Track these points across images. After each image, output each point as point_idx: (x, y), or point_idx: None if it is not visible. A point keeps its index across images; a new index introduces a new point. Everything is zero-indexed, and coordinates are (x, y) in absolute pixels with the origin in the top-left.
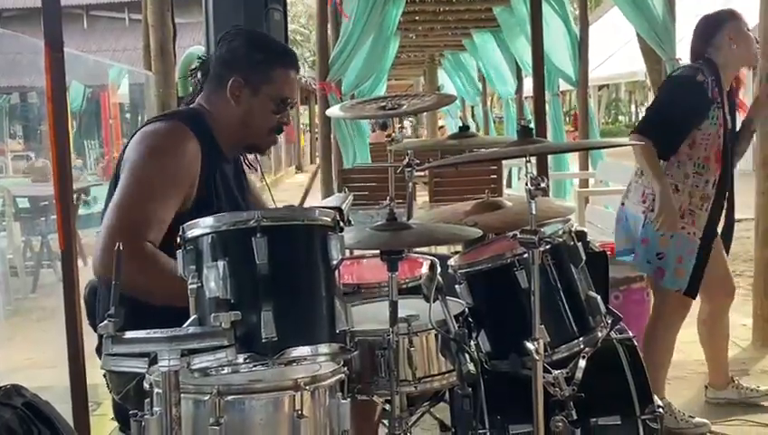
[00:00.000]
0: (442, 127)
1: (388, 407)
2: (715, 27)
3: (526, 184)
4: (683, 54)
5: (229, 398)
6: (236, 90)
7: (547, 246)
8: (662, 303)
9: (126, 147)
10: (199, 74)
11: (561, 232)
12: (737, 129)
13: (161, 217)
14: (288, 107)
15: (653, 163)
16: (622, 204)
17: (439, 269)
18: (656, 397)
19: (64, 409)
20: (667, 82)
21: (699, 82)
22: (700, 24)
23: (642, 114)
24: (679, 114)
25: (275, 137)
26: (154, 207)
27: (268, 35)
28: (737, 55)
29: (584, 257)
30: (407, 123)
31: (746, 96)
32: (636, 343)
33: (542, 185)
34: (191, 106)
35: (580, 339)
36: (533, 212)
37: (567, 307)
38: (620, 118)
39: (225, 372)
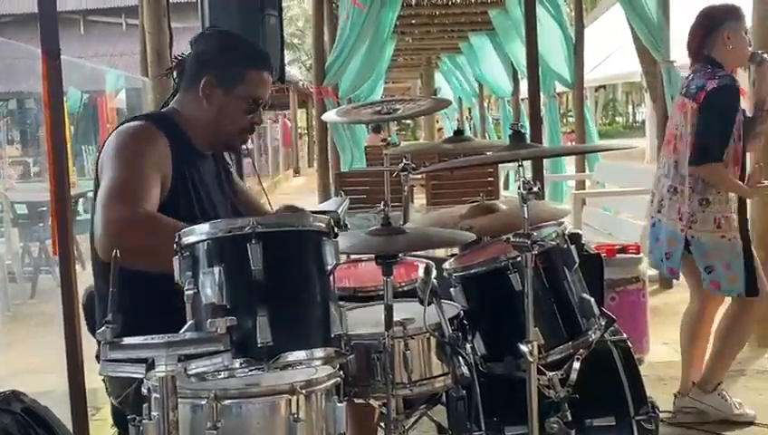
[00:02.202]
0: (441, 129)
1: (385, 410)
2: (714, 24)
3: (519, 188)
4: (678, 57)
5: (226, 402)
6: (208, 89)
7: (540, 249)
8: (740, 308)
9: (101, 152)
10: (174, 75)
11: (554, 235)
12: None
13: (149, 190)
14: (260, 107)
15: (731, 184)
16: (653, 216)
17: (434, 272)
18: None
19: (63, 414)
20: (715, 98)
21: (737, 88)
22: (700, 16)
23: (638, 115)
24: (732, 122)
25: (246, 136)
26: (140, 181)
27: (242, 37)
28: (731, 56)
29: (577, 260)
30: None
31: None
32: (630, 345)
33: (535, 189)
34: (162, 110)
35: (575, 341)
36: (526, 216)
37: (561, 310)
38: (618, 119)
39: (222, 376)
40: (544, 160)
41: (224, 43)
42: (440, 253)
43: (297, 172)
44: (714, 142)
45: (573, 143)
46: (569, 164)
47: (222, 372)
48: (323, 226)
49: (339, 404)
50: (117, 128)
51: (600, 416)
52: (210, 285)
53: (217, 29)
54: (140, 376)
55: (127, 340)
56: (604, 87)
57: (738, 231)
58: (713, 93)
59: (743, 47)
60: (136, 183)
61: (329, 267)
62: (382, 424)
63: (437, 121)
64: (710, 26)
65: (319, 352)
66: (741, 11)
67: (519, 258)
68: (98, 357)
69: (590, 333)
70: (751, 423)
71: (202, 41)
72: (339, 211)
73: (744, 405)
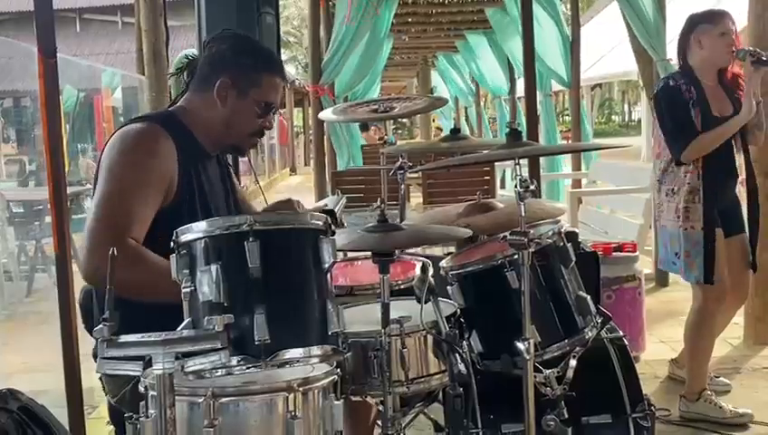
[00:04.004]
0: (438, 128)
1: (382, 408)
2: (687, 30)
3: (516, 186)
4: (673, 55)
5: (223, 400)
6: (223, 90)
7: (537, 247)
8: (696, 298)
9: (102, 151)
10: (185, 74)
11: (550, 233)
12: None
13: (141, 213)
14: (271, 112)
15: (715, 136)
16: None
17: (431, 270)
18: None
19: (60, 412)
20: (655, 101)
21: (672, 86)
22: (684, 23)
23: (634, 114)
24: (678, 118)
25: (256, 139)
26: (132, 204)
27: (256, 41)
28: (706, 58)
29: (574, 258)
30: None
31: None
32: (626, 343)
33: (532, 187)
34: (170, 109)
35: (571, 339)
36: (523, 214)
37: (557, 307)
38: (614, 117)
39: (219, 374)
40: (541, 159)
41: (241, 47)
42: (437, 251)
43: (293, 171)
44: (670, 137)
45: (569, 141)
46: (565, 163)
47: (219, 370)
48: (321, 224)
49: (336, 402)
50: (120, 128)
51: (596, 413)
52: (207, 283)
53: (234, 31)
54: (138, 374)
55: (124, 337)
56: (600, 86)
57: (701, 221)
58: (654, 97)
59: (717, 50)
60: (126, 206)
61: (326, 265)
62: (379, 422)
63: (434, 120)
64: (684, 32)
65: (316, 350)
66: (720, 14)
67: (516, 256)
68: (95, 355)
69: (586, 330)
70: (748, 422)
71: (218, 42)
72: (336, 210)
73: (739, 405)
